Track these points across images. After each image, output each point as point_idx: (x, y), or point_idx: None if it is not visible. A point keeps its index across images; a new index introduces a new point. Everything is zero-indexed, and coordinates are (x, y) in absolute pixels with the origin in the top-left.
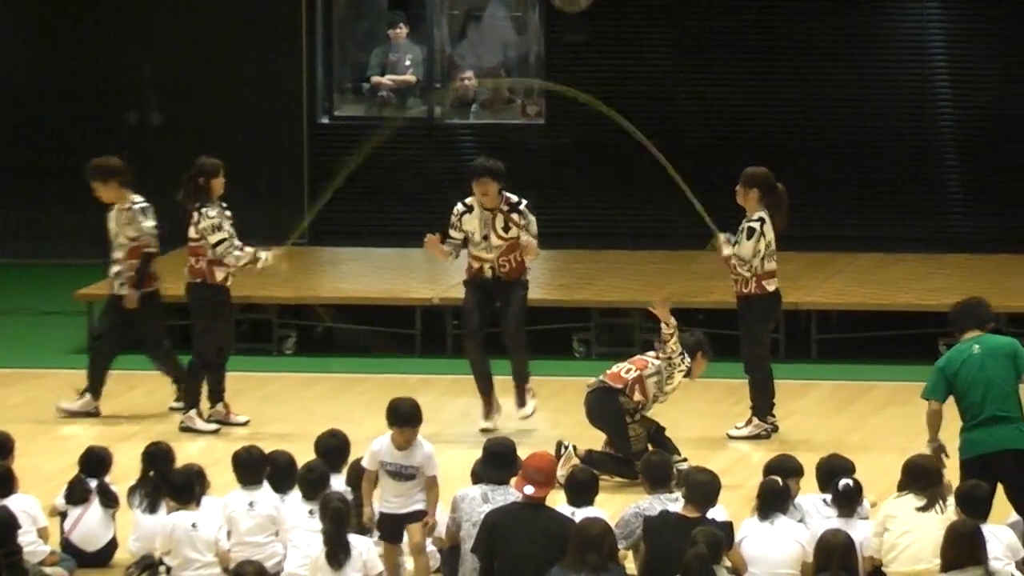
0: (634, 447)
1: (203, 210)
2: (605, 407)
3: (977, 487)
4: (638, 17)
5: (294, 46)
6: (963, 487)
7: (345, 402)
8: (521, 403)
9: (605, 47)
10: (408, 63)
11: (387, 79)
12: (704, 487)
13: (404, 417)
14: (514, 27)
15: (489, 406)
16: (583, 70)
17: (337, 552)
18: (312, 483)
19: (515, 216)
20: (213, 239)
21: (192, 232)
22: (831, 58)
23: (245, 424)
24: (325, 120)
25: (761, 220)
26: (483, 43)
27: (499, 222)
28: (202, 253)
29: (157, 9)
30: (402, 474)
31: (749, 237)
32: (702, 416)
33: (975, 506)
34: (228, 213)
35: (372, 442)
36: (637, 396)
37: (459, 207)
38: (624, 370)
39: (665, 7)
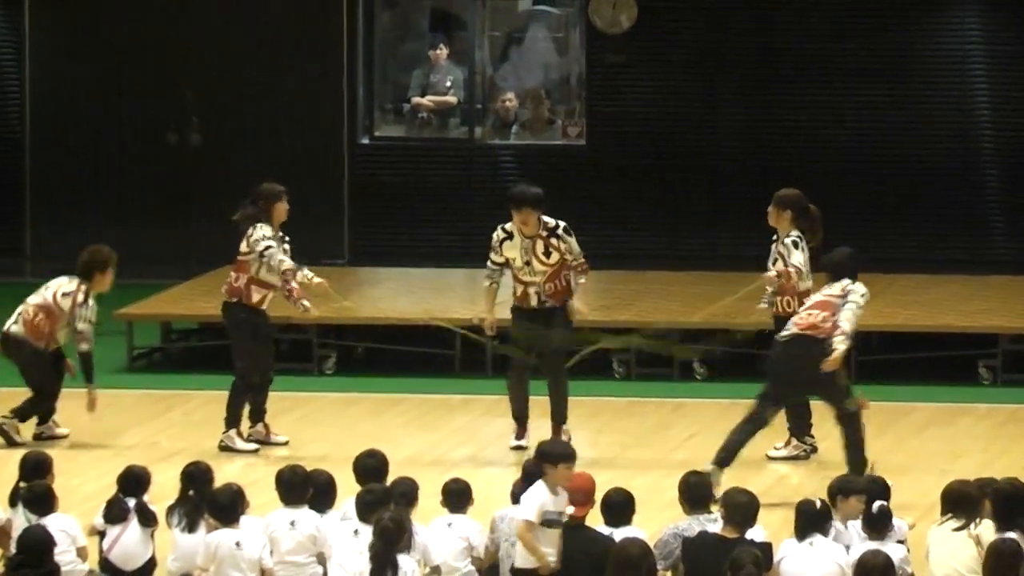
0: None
1: (259, 224)
2: (813, 357)
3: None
4: (677, 38)
5: (335, 66)
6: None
7: (384, 422)
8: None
9: (645, 68)
10: (449, 84)
11: (428, 100)
12: (743, 508)
13: (566, 454)
14: (555, 48)
15: (523, 429)
16: (624, 91)
17: (384, 570)
18: (371, 504)
19: (554, 241)
20: (261, 246)
21: (243, 246)
22: (871, 79)
23: (285, 444)
24: (366, 140)
25: (799, 237)
26: (524, 64)
27: (539, 247)
28: (245, 270)
29: (198, 30)
30: (557, 521)
31: (795, 248)
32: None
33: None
34: (287, 239)
35: (530, 494)
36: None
37: (499, 233)
38: (818, 318)
39: (705, 29)
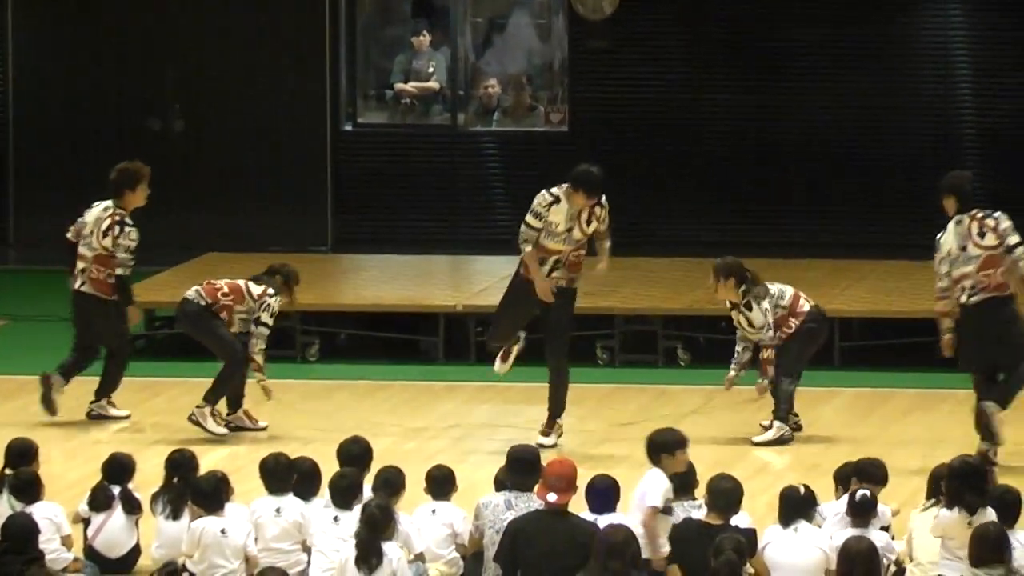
0: None
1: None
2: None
3: (1008, 492)
4: (661, 24)
5: (318, 53)
6: (996, 491)
7: (368, 409)
8: (546, 433)
9: (628, 53)
10: (432, 70)
11: (410, 86)
12: (727, 494)
13: (681, 440)
14: (538, 34)
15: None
16: (606, 76)
17: (369, 557)
18: (344, 490)
19: (596, 210)
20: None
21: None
22: (853, 66)
23: (264, 429)
24: (349, 127)
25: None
26: (507, 50)
27: (584, 215)
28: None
29: (181, 17)
30: (671, 509)
31: (751, 309)
32: (724, 424)
33: (1007, 510)
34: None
35: (650, 480)
36: None
37: (547, 196)
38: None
39: (687, 15)
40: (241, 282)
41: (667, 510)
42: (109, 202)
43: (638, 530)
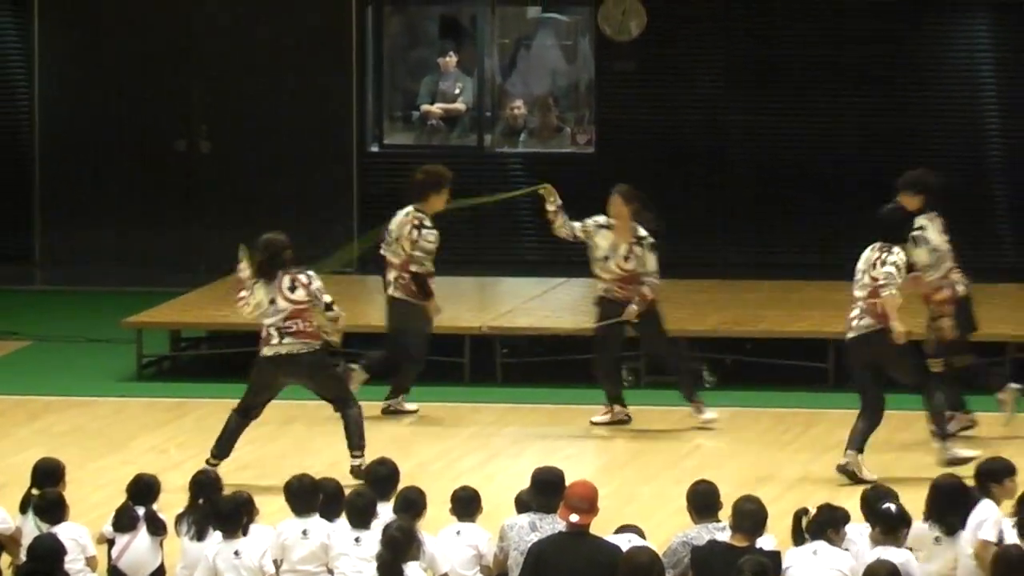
0: None
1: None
2: None
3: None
4: (686, 45)
5: (345, 74)
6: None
7: (394, 430)
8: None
9: (654, 75)
10: (458, 91)
11: (437, 107)
12: (751, 515)
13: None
14: (564, 56)
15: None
16: (633, 98)
17: None
18: (360, 509)
19: (636, 249)
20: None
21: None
22: (879, 84)
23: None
24: (375, 148)
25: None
26: (533, 72)
27: (623, 251)
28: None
29: (207, 37)
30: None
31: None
32: (752, 445)
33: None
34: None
35: (982, 511)
36: None
37: (600, 219)
38: None
39: (713, 35)
40: (298, 293)
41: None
42: (410, 207)
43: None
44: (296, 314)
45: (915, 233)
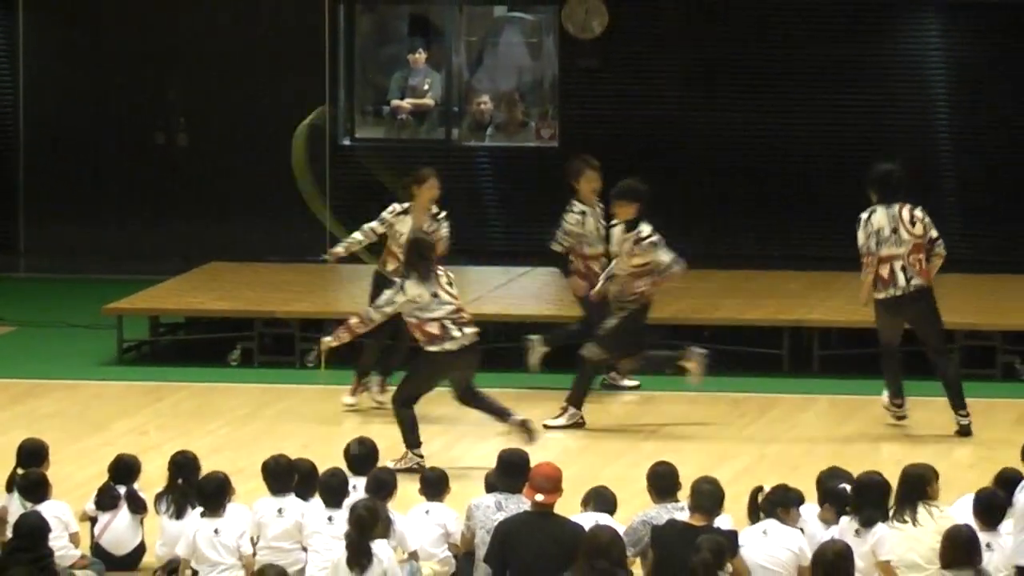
0: None
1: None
2: None
3: (995, 496)
4: (648, 44)
5: (318, 70)
6: (982, 495)
7: (364, 413)
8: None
9: (616, 72)
10: (427, 87)
11: (407, 102)
12: (709, 495)
13: None
14: (529, 53)
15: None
16: (595, 94)
17: (359, 558)
18: (333, 489)
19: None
20: None
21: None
22: (834, 84)
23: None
24: (347, 142)
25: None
26: (499, 68)
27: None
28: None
29: (186, 34)
30: None
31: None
32: (709, 428)
33: (990, 514)
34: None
35: None
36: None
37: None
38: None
39: (674, 35)
40: (454, 288)
41: None
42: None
43: None
44: (461, 307)
45: None
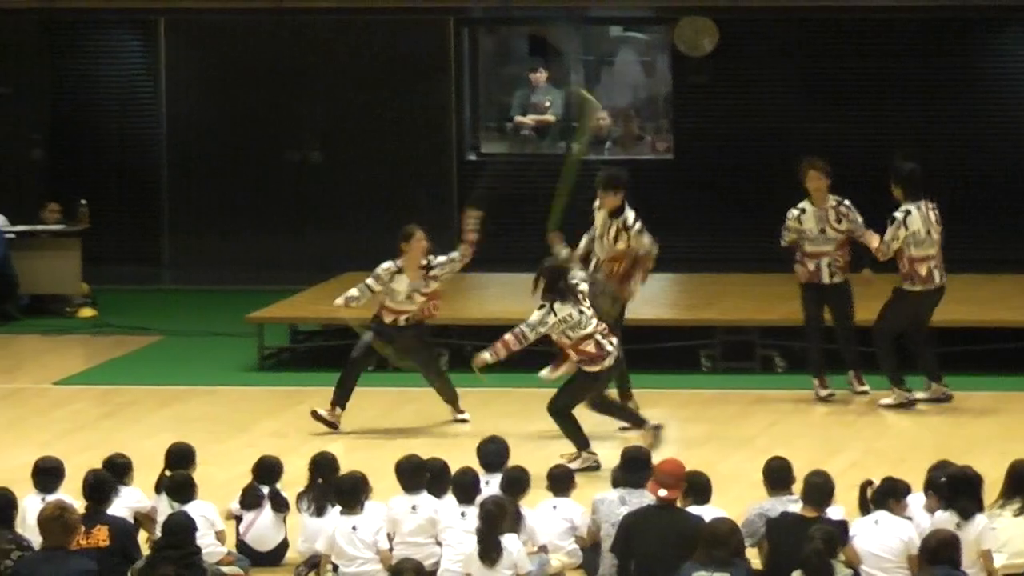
0: None
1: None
2: None
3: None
4: (757, 60)
5: (444, 89)
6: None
7: (491, 414)
8: None
9: (727, 88)
10: (548, 104)
11: (529, 119)
12: (819, 488)
13: None
14: (643, 70)
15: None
16: (707, 109)
17: (490, 551)
18: (465, 486)
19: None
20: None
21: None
22: (940, 96)
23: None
24: (472, 156)
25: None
26: (615, 85)
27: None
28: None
29: (320, 56)
30: None
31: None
32: (817, 424)
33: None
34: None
35: None
36: None
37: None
38: None
39: (782, 50)
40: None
41: None
42: None
43: None
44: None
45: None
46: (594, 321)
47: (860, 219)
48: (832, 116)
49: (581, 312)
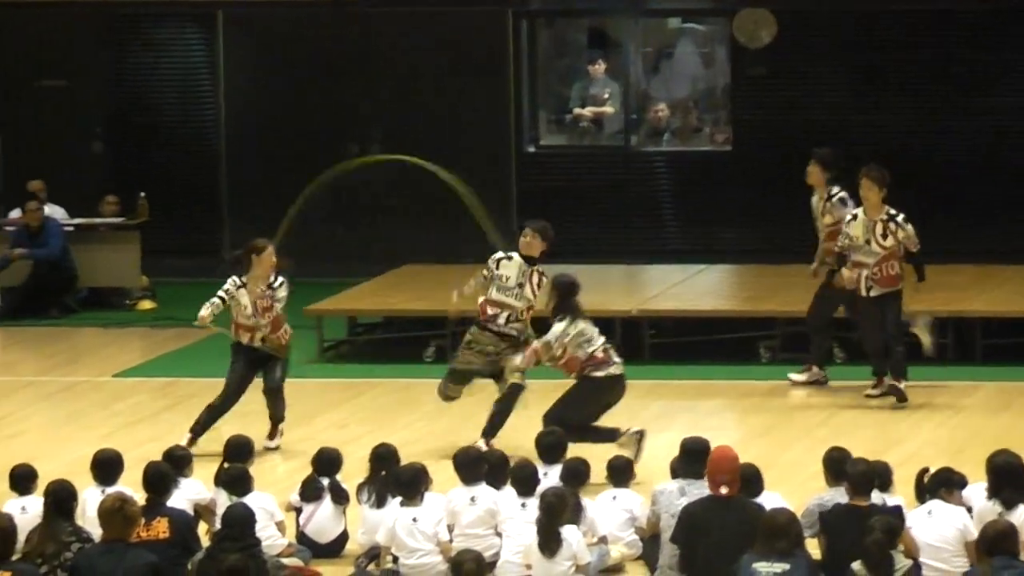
0: None
1: None
2: None
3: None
4: (815, 51)
5: (503, 82)
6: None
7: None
8: None
9: (785, 79)
10: (607, 96)
11: (587, 111)
12: (861, 476)
13: None
14: (702, 62)
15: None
16: (765, 101)
17: (550, 542)
18: (524, 478)
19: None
20: None
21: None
22: (996, 87)
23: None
24: (532, 148)
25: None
26: (674, 77)
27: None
28: None
29: (380, 49)
30: None
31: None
32: (875, 414)
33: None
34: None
35: None
36: None
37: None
38: None
39: (840, 42)
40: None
41: None
42: None
43: None
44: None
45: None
46: (603, 338)
47: (911, 232)
48: (890, 108)
49: (593, 327)
